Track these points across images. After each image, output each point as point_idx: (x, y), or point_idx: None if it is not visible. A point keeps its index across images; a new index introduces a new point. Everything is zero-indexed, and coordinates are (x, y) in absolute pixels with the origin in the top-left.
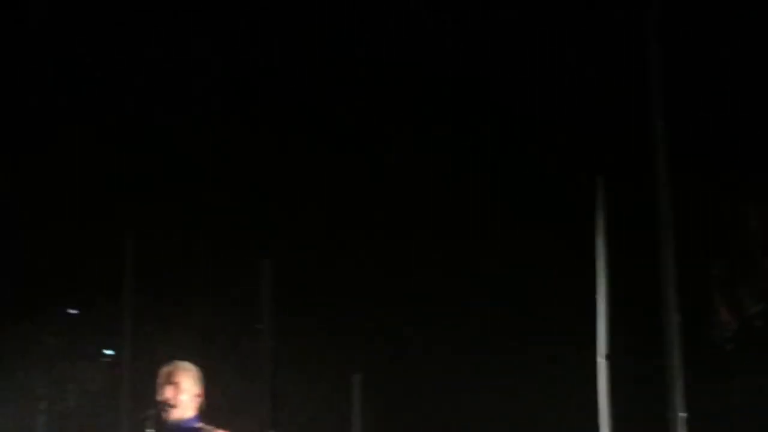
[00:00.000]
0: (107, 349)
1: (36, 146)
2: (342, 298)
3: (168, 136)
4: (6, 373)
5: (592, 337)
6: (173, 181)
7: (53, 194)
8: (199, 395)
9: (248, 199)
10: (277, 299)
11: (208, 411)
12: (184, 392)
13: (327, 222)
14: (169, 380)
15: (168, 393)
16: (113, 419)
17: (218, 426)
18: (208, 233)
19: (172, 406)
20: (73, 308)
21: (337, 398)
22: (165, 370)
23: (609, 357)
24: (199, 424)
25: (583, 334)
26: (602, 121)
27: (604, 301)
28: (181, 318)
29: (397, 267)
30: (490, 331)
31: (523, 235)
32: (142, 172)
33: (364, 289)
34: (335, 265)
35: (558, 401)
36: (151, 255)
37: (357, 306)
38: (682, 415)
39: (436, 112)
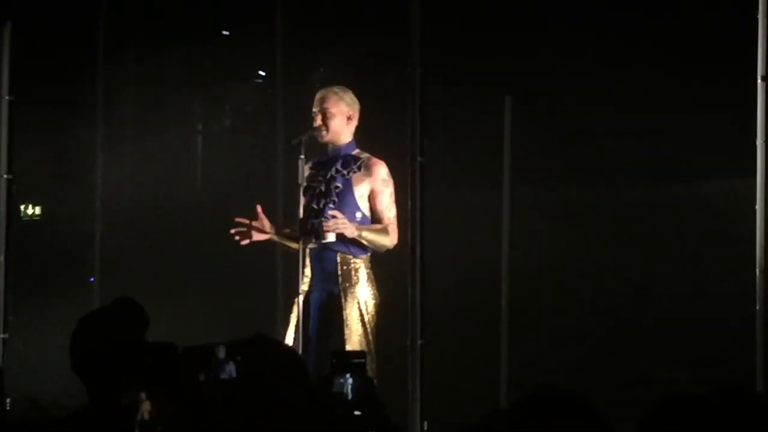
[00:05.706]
0: (260, 70)
1: None
2: (492, 23)
3: None
4: (166, 95)
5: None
6: None
7: None
8: (350, 118)
9: None
10: (425, 29)
11: (361, 137)
12: (336, 117)
13: None
14: (321, 105)
15: (320, 118)
16: (268, 141)
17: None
18: None
19: (325, 132)
20: (225, 29)
21: (488, 121)
22: (318, 95)
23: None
24: (356, 151)
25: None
26: None
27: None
28: (331, 45)
29: None
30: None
31: None
32: None
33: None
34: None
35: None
36: None
37: (507, 32)
38: None
39: None
